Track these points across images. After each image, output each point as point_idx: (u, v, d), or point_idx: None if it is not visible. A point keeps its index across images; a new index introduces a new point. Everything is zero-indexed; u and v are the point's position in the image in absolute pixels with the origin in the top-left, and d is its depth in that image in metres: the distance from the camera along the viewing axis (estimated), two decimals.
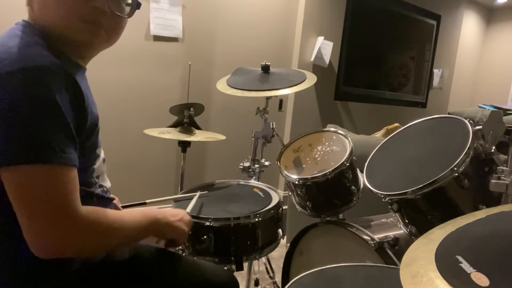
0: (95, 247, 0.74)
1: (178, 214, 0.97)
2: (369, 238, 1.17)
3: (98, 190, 0.86)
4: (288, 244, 1.47)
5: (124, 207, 1.19)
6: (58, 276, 0.78)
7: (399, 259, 1.05)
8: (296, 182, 1.33)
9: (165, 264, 0.98)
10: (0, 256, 0.74)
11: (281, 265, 1.47)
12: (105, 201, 0.90)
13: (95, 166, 0.84)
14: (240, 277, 1.12)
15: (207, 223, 1.22)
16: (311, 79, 1.68)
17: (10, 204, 0.67)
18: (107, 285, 0.86)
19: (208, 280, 1.01)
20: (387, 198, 1.08)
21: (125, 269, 0.89)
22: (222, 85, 1.72)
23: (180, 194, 1.48)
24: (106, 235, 0.74)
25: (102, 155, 0.89)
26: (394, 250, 1.13)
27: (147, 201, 1.34)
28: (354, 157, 1.35)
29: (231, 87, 1.69)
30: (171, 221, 0.92)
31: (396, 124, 2.21)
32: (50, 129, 0.66)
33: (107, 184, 0.92)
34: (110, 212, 0.76)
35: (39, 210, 0.65)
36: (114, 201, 1.00)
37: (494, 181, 0.91)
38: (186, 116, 1.88)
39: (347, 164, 1.29)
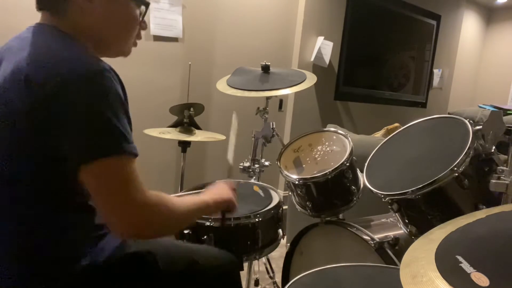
0: (161, 227, 0.81)
1: (222, 188, 1.06)
2: (369, 238, 1.17)
3: None
4: (288, 244, 1.47)
5: None
6: (67, 271, 0.79)
7: (399, 259, 1.05)
8: (296, 182, 1.33)
9: (167, 255, 0.98)
10: (13, 250, 0.77)
11: (281, 265, 1.47)
12: None
13: None
14: (240, 277, 1.12)
15: (207, 223, 1.22)
16: (311, 79, 1.68)
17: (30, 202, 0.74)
18: (113, 281, 0.86)
19: (211, 263, 1.03)
20: (387, 198, 1.08)
21: (127, 267, 0.89)
22: (222, 85, 1.73)
23: (181, 193, 1.48)
24: (169, 218, 0.81)
25: None
26: (394, 250, 1.13)
27: None
28: (354, 157, 1.35)
29: (231, 87, 1.69)
30: (218, 198, 1.00)
31: (396, 124, 2.21)
32: (124, 123, 0.73)
33: None
34: (169, 197, 0.83)
35: (122, 196, 0.72)
36: None
37: (494, 181, 0.91)
38: (186, 116, 1.88)
39: (347, 164, 1.29)
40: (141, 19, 0.90)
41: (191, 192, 1.31)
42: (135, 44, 0.94)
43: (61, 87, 0.69)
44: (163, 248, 0.98)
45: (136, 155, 0.76)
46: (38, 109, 0.70)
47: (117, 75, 0.77)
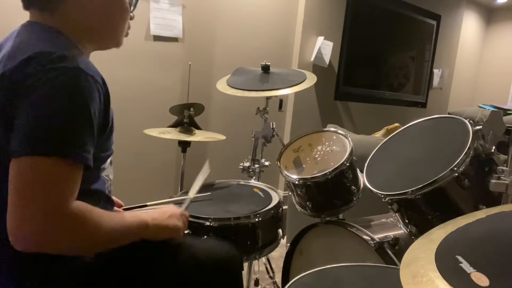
0: (82, 241, 0.72)
1: (166, 212, 0.94)
2: (369, 238, 1.17)
3: (106, 191, 0.90)
4: (288, 244, 1.47)
5: (124, 209, 1.20)
6: (68, 268, 0.79)
7: (399, 259, 1.05)
8: (296, 182, 1.33)
9: (167, 250, 0.97)
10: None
11: (281, 265, 1.47)
12: (111, 202, 0.93)
13: (105, 165, 0.89)
14: None
15: (207, 223, 1.22)
16: (311, 79, 1.68)
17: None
18: (113, 277, 0.86)
19: (211, 257, 1.01)
20: (387, 198, 1.08)
21: (121, 266, 0.89)
22: (222, 85, 1.72)
23: (180, 194, 1.48)
24: (91, 234, 0.72)
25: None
26: (394, 250, 1.13)
27: (148, 203, 1.33)
28: (354, 157, 1.35)
29: (231, 87, 1.69)
30: (160, 221, 0.90)
31: (396, 124, 2.21)
32: (75, 128, 0.69)
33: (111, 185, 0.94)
34: (99, 211, 0.75)
35: (41, 199, 0.65)
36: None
37: (494, 181, 0.91)
38: (186, 116, 1.88)
39: (347, 164, 1.29)
40: (132, 9, 0.92)
41: (136, 206, 1.27)
42: (126, 35, 0.94)
43: (27, 78, 0.68)
44: (162, 243, 0.99)
45: (85, 164, 0.71)
46: (4, 101, 0.70)
47: (99, 81, 0.75)
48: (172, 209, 0.98)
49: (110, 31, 0.90)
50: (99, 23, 0.86)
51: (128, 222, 0.82)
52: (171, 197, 1.43)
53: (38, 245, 0.67)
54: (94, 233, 0.73)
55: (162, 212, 0.94)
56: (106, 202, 0.92)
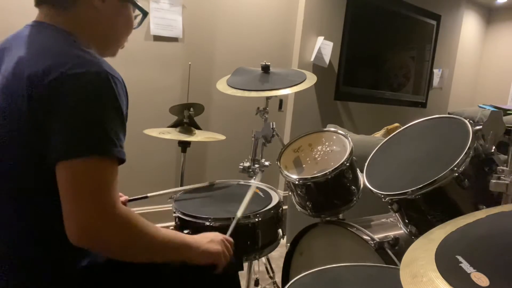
0: (124, 246, 0.74)
1: (208, 236, 0.93)
2: (369, 238, 1.17)
3: None
4: (288, 244, 1.47)
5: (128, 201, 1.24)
6: (64, 272, 0.79)
7: (399, 259, 1.05)
8: (296, 182, 1.33)
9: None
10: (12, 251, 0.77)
11: (281, 265, 1.47)
12: None
13: None
14: (240, 277, 1.11)
15: (207, 223, 1.22)
16: (311, 79, 1.68)
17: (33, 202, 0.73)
18: (112, 282, 0.86)
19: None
20: (387, 198, 1.07)
21: (125, 268, 0.89)
22: (222, 85, 1.72)
23: (181, 194, 1.48)
24: (137, 238, 0.74)
25: None
26: (394, 250, 1.13)
27: (148, 194, 1.34)
28: (354, 157, 1.35)
29: (231, 87, 1.68)
30: (201, 245, 0.89)
31: (396, 124, 2.21)
32: (114, 127, 0.71)
33: None
34: (144, 220, 0.76)
35: (94, 199, 0.68)
36: None
37: (494, 181, 0.91)
38: (186, 116, 1.88)
39: (347, 164, 1.29)
40: (136, 26, 0.95)
41: (138, 198, 1.29)
42: (122, 47, 0.96)
43: (60, 84, 0.69)
44: None
45: (121, 160, 0.73)
46: (37, 106, 0.70)
47: (122, 82, 0.77)
48: (214, 234, 0.97)
49: (113, 40, 0.91)
50: (107, 29, 0.87)
51: (171, 237, 0.82)
52: (171, 198, 1.43)
53: (93, 243, 0.70)
54: (140, 238, 0.75)
55: (204, 236, 0.93)
56: None
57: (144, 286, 0.91)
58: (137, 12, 0.94)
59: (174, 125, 1.92)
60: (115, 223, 0.70)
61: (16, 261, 0.77)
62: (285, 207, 1.52)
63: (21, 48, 0.76)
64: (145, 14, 0.95)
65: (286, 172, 1.37)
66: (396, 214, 1.12)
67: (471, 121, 1.03)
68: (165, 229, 0.83)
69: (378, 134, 2.22)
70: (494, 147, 0.98)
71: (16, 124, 0.72)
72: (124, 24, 0.90)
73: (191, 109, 1.89)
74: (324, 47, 3.22)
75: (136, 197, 1.32)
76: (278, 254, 2.02)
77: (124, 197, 1.26)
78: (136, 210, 1.28)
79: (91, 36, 0.84)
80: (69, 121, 0.69)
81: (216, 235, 0.96)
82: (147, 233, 0.76)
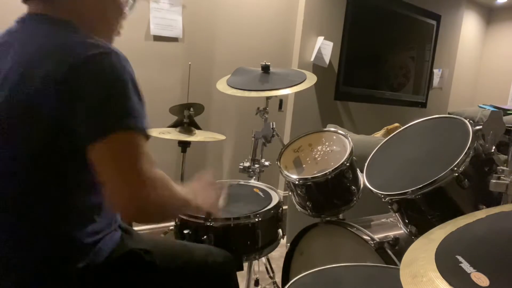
0: (160, 207, 0.79)
1: (205, 194, 1.01)
2: (369, 238, 1.17)
3: None
4: (288, 244, 1.47)
5: None
6: (66, 272, 0.79)
7: (399, 259, 1.05)
8: (296, 182, 1.33)
9: (164, 254, 0.98)
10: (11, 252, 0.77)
11: (281, 265, 1.47)
12: None
13: None
14: (240, 277, 1.12)
15: (207, 223, 1.22)
16: (311, 79, 1.68)
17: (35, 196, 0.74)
18: (111, 282, 0.87)
19: (207, 261, 1.03)
20: (387, 198, 1.07)
21: (124, 268, 0.89)
22: (222, 85, 1.72)
23: None
24: (169, 198, 0.81)
25: None
26: (394, 250, 1.13)
27: None
28: (354, 157, 1.35)
29: (231, 87, 1.69)
30: (199, 206, 0.96)
31: (396, 124, 2.21)
32: (136, 101, 0.75)
33: None
34: (174, 188, 0.83)
35: (135, 168, 0.72)
36: None
37: (494, 181, 0.91)
38: (186, 116, 1.88)
39: (347, 164, 1.29)
40: (127, 10, 0.93)
41: None
42: (118, 34, 0.95)
43: (70, 72, 0.70)
44: (160, 246, 0.99)
45: (146, 134, 0.76)
46: (55, 97, 0.71)
47: (124, 56, 0.78)
48: (209, 188, 1.05)
49: (106, 25, 0.90)
50: (97, 19, 0.87)
51: (182, 199, 0.88)
52: None
53: (139, 210, 0.74)
54: (170, 200, 0.82)
55: (203, 192, 1.01)
56: None
57: (143, 285, 0.91)
58: None
59: (174, 125, 1.92)
60: (154, 186, 0.75)
61: (16, 260, 0.77)
62: (285, 207, 1.52)
63: (25, 42, 0.77)
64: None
65: (286, 172, 1.37)
66: (396, 214, 1.12)
67: (471, 121, 1.03)
68: (175, 187, 0.87)
69: (378, 134, 2.22)
70: (494, 147, 0.98)
71: (30, 118, 0.73)
72: (112, 10, 0.89)
73: (191, 109, 1.89)
74: (324, 47, 3.21)
75: None
76: (278, 254, 2.02)
77: None
78: None
79: (84, 23, 0.83)
80: (96, 104, 0.71)
81: (209, 190, 1.04)
82: (173, 196, 0.83)
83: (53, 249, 0.78)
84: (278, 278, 1.56)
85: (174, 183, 0.85)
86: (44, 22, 0.80)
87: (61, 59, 0.72)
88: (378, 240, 1.14)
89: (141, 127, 0.75)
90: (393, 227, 1.26)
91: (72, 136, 0.72)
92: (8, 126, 0.74)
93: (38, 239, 0.77)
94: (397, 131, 1.29)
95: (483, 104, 3.59)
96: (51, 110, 0.71)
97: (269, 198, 1.43)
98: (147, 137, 0.77)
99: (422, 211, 1.03)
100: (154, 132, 1.79)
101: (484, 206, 0.97)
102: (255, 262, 1.64)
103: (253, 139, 1.76)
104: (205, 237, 1.21)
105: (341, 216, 1.39)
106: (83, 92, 0.71)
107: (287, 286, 0.83)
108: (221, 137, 1.91)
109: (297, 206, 1.45)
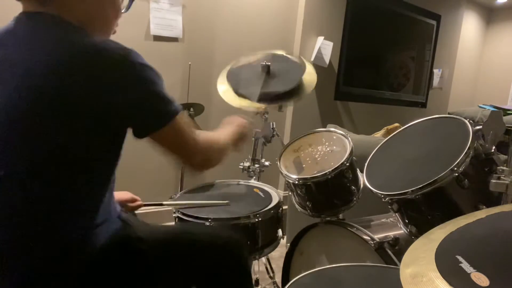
0: (218, 156, 0.99)
1: (236, 122, 1.19)
2: (369, 238, 1.17)
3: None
4: (288, 244, 1.47)
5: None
6: (62, 265, 0.79)
7: (399, 259, 1.05)
8: (296, 182, 1.33)
9: (164, 239, 0.99)
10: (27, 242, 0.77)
11: (281, 265, 1.47)
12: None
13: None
14: None
15: (207, 223, 1.22)
16: (311, 78, 1.68)
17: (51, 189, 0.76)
18: (110, 268, 0.87)
19: (213, 243, 1.04)
20: (387, 198, 1.07)
21: (124, 252, 0.90)
22: (222, 85, 1.73)
23: (181, 193, 1.48)
24: (221, 149, 1.01)
25: None
26: (394, 250, 1.13)
27: (164, 202, 1.34)
28: (354, 157, 1.35)
29: (231, 89, 1.68)
30: (237, 134, 1.14)
31: (396, 124, 2.21)
32: (165, 89, 0.85)
33: None
34: (213, 134, 1.02)
35: (191, 143, 0.89)
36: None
37: (494, 181, 0.91)
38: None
39: (347, 164, 1.29)
40: (124, 11, 0.94)
41: (153, 204, 1.35)
42: (114, 32, 0.96)
43: (103, 74, 0.74)
44: (157, 234, 1.00)
45: (182, 109, 0.88)
46: (90, 96, 0.74)
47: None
48: (237, 119, 1.22)
49: (102, 24, 0.90)
50: (96, 19, 0.87)
51: (227, 138, 1.08)
52: (171, 198, 1.43)
53: (206, 165, 0.95)
54: (222, 148, 1.02)
55: (232, 125, 1.18)
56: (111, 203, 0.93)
57: (139, 274, 0.91)
58: None
59: None
60: (208, 144, 0.95)
61: (18, 257, 0.77)
62: (285, 207, 1.52)
63: (31, 50, 0.75)
64: None
65: (286, 172, 1.37)
66: (396, 214, 1.12)
67: (471, 121, 1.03)
68: (222, 133, 1.08)
69: (378, 134, 2.22)
70: (494, 147, 0.98)
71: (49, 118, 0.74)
72: (109, 11, 0.90)
73: (191, 109, 1.89)
74: (324, 47, 3.21)
75: (151, 203, 1.31)
76: (278, 254, 2.02)
77: (139, 202, 1.25)
78: (137, 210, 1.28)
79: (81, 22, 0.82)
80: (138, 100, 0.79)
81: (237, 119, 1.22)
82: (221, 143, 1.02)
83: (54, 244, 0.78)
84: (278, 278, 1.56)
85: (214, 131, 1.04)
86: (45, 21, 0.79)
87: (86, 67, 0.73)
88: (378, 240, 1.14)
89: (180, 108, 0.86)
90: (393, 227, 1.26)
91: (106, 131, 0.79)
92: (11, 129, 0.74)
93: (41, 234, 0.77)
94: (397, 131, 1.29)
95: (483, 104, 3.59)
96: (88, 107, 0.74)
97: (269, 198, 1.43)
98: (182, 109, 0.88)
99: (422, 211, 1.03)
100: None
101: (484, 206, 0.97)
102: (255, 262, 1.64)
103: (253, 139, 1.76)
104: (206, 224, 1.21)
105: (341, 216, 1.39)
106: (123, 90, 0.76)
107: (287, 286, 0.83)
108: None
109: (297, 206, 1.45)
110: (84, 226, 0.82)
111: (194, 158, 0.91)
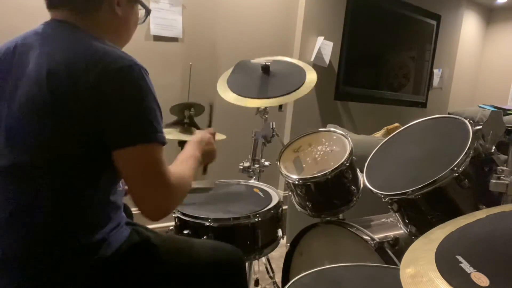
0: (181, 200, 0.88)
1: (203, 140, 1.12)
2: (369, 238, 1.17)
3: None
4: (288, 244, 1.47)
5: None
6: (75, 267, 0.80)
7: (399, 259, 1.05)
8: (296, 182, 1.33)
9: (171, 248, 0.99)
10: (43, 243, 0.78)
11: (281, 265, 1.47)
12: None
13: None
14: None
15: (207, 223, 1.22)
16: (311, 79, 1.68)
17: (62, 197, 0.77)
18: (118, 275, 0.87)
19: (213, 255, 1.03)
20: (387, 198, 1.07)
21: (133, 259, 0.90)
22: (222, 84, 1.73)
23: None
24: (186, 189, 0.89)
25: None
26: (394, 250, 1.13)
27: None
28: (354, 157, 1.35)
29: (231, 89, 1.69)
30: (204, 150, 1.09)
31: (396, 124, 2.21)
32: (155, 113, 0.80)
33: None
34: (179, 171, 0.89)
35: (154, 180, 0.79)
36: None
37: (494, 181, 0.91)
38: (187, 116, 1.88)
39: (347, 164, 1.29)
40: (140, 22, 1.01)
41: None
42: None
43: (100, 79, 0.75)
44: (166, 241, 1.00)
45: (164, 143, 0.82)
46: (81, 99, 0.75)
47: (145, 69, 0.83)
48: (203, 134, 1.16)
49: (126, 38, 0.98)
50: (122, 29, 0.94)
51: (192, 166, 0.98)
52: None
53: (162, 213, 0.81)
54: (187, 189, 0.90)
55: (201, 140, 1.11)
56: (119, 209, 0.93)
57: (149, 280, 0.91)
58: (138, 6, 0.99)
59: (172, 124, 1.91)
60: (176, 193, 0.83)
61: (31, 257, 0.78)
62: (285, 207, 1.52)
63: (52, 47, 0.79)
64: (148, 11, 1.02)
65: (286, 172, 1.37)
66: (396, 214, 1.12)
67: (471, 121, 1.03)
68: (185, 163, 0.96)
69: (378, 134, 2.22)
70: (494, 147, 0.98)
71: (51, 120, 0.76)
72: (134, 22, 0.97)
73: (192, 109, 1.89)
74: (324, 47, 3.21)
75: None
76: (278, 254, 2.02)
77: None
78: (137, 210, 1.28)
79: (107, 35, 0.87)
80: (118, 115, 0.76)
81: (204, 136, 1.15)
82: (188, 183, 0.90)
83: (68, 246, 0.79)
84: (278, 278, 1.56)
85: (177, 162, 0.95)
86: (72, 31, 0.83)
87: (89, 66, 0.75)
88: (378, 240, 1.14)
89: (163, 139, 0.82)
90: (393, 227, 1.26)
91: (98, 139, 0.77)
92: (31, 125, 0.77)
93: (56, 237, 0.78)
94: (397, 131, 1.29)
95: (483, 104, 3.59)
96: (80, 114, 0.75)
97: (269, 198, 1.43)
98: (164, 144, 0.83)
99: (422, 211, 1.03)
100: None
101: (484, 206, 0.97)
102: (255, 262, 1.64)
103: (253, 139, 1.76)
104: (205, 237, 1.21)
105: (341, 216, 1.39)
106: (113, 101, 0.76)
107: (287, 286, 0.83)
108: (221, 137, 1.91)
109: (297, 206, 1.45)
110: (98, 230, 0.83)
111: (162, 198, 0.81)
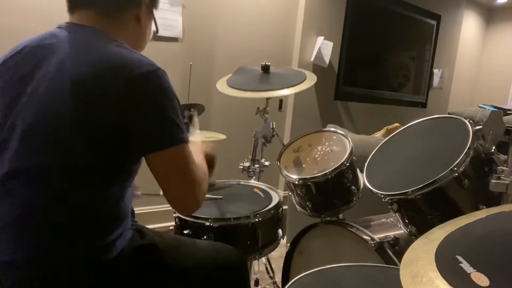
0: (204, 195, 0.91)
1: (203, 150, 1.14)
2: (369, 238, 1.17)
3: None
4: (288, 244, 1.47)
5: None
6: (82, 269, 0.80)
7: (399, 259, 1.05)
8: (296, 182, 1.33)
9: (174, 251, 0.99)
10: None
11: (281, 265, 1.47)
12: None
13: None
14: None
15: (207, 223, 1.22)
16: (311, 79, 1.68)
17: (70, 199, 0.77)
18: (121, 277, 0.87)
19: (216, 257, 1.04)
20: (387, 198, 1.08)
21: (136, 262, 0.90)
22: (221, 85, 1.73)
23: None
24: (207, 179, 0.94)
25: None
26: (394, 250, 1.13)
27: (160, 193, 1.35)
28: (354, 157, 1.35)
29: (231, 87, 1.69)
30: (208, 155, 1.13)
31: (396, 124, 2.21)
32: (179, 115, 0.83)
33: None
34: (203, 170, 0.94)
35: (187, 178, 0.84)
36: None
37: (494, 181, 0.91)
38: (186, 116, 1.88)
39: (347, 164, 1.29)
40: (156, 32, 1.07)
41: (151, 194, 1.37)
42: None
43: (128, 86, 0.77)
44: (169, 242, 1.00)
45: (189, 141, 0.86)
46: (110, 106, 0.76)
47: (165, 71, 0.85)
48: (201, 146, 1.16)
49: (142, 46, 1.01)
50: (141, 37, 0.98)
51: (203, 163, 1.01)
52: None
53: (198, 206, 0.88)
54: (207, 179, 0.95)
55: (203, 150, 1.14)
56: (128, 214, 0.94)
57: (153, 281, 0.91)
58: None
59: None
60: (204, 184, 0.90)
61: (43, 259, 0.78)
62: (285, 207, 1.52)
63: (75, 52, 0.80)
64: (156, 31, 1.08)
65: (286, 172, 1.37)
66: (396, 214, 1.12)
67: (471, 121, 1.03)
68: (202, 163, 0.98)
69: (378, 134, 2.22)
70: (494, 147, 0.98)
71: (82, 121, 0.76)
72: (150, 32, 1.03)
73: (192, 109, 1.89)
74: (324, 47, 3.21)
75: (149, 192, 1.33)
76: (278, 254, 2.02)
77: (138, 193, 1.26)
78: (137, 210, 1.28)
79: (127, 43, 0.88)
80: (146, 121, 0.78)
81: (203, 148, 1.17)
82: (207, 174, 0.97)
83: (77, 250, 0.79)
84: (278, 278, 1.56)
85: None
86: (95, 35, 0.84)
87: (116, 73, 0.77)
88: (378, 240, 1.15)
89: (188, 138, 0.85)
90: (393, 227, 1.26)
91: (121, 145, 0.79)
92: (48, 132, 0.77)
93: (66, 240, 0.79)
94: (397, 131, 1.29)
95: (483, 104, 3.59)
96: (108, 121, 0.77)
97: (269, 198, 1.43)
98: (189, 142, 0.86)
99: (422, 211, 1.03)
100: None
101: (484, 206, 0.97)
102: (255, 262, 1.64)
103: (253, 139, 1.76)
104: (205, 237, 1.21)
105: (341, 216, 1.39)
106: (141, 107, 0.78)
107: (287, 286, 0.83)
108: (221, 137, 1.91)
109: (297, 206, 1.45)
110: (107, 235, 0.83)
111: (194, 197, 0.86)
